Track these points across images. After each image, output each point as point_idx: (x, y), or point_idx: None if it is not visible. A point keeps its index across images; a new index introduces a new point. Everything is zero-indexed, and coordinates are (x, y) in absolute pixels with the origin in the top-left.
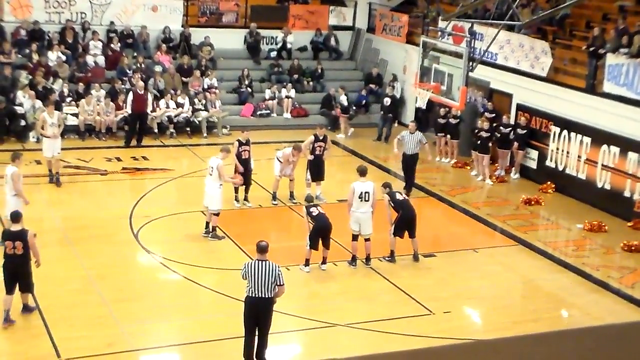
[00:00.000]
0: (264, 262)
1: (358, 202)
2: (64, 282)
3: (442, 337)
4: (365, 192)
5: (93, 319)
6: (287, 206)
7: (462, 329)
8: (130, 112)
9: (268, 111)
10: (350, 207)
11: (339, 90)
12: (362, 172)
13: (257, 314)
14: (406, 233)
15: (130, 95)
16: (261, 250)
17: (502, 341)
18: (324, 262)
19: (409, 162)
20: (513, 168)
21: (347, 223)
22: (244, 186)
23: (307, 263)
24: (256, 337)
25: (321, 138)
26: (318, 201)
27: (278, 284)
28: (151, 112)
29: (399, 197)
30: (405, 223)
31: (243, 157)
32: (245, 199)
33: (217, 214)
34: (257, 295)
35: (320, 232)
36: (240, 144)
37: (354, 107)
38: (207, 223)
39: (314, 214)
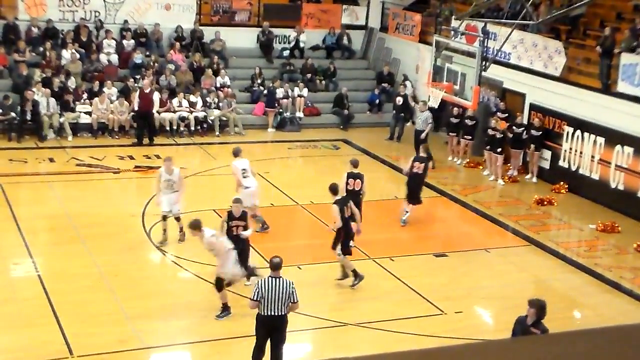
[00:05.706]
0: (278, 279)
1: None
2: (76, 279)
3: (454, 337)
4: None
5: (105, 316)
6: (299, 205)
7: (473, 329)
8: (136, 109)
9: (280, 110)
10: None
11: (277, 82)
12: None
13: (270, 332)
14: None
15: (137, 94)
16: (275, 267)
17: (513, 341)
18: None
19: (416, 137)
20: (530, 171)
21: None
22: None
23: (355, 275)
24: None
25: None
26: None
27: (292, 301)
28: (158, 110)
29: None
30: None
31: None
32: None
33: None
34: (270, 314)
35: (349, 236)
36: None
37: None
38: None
39: (346, 215)
